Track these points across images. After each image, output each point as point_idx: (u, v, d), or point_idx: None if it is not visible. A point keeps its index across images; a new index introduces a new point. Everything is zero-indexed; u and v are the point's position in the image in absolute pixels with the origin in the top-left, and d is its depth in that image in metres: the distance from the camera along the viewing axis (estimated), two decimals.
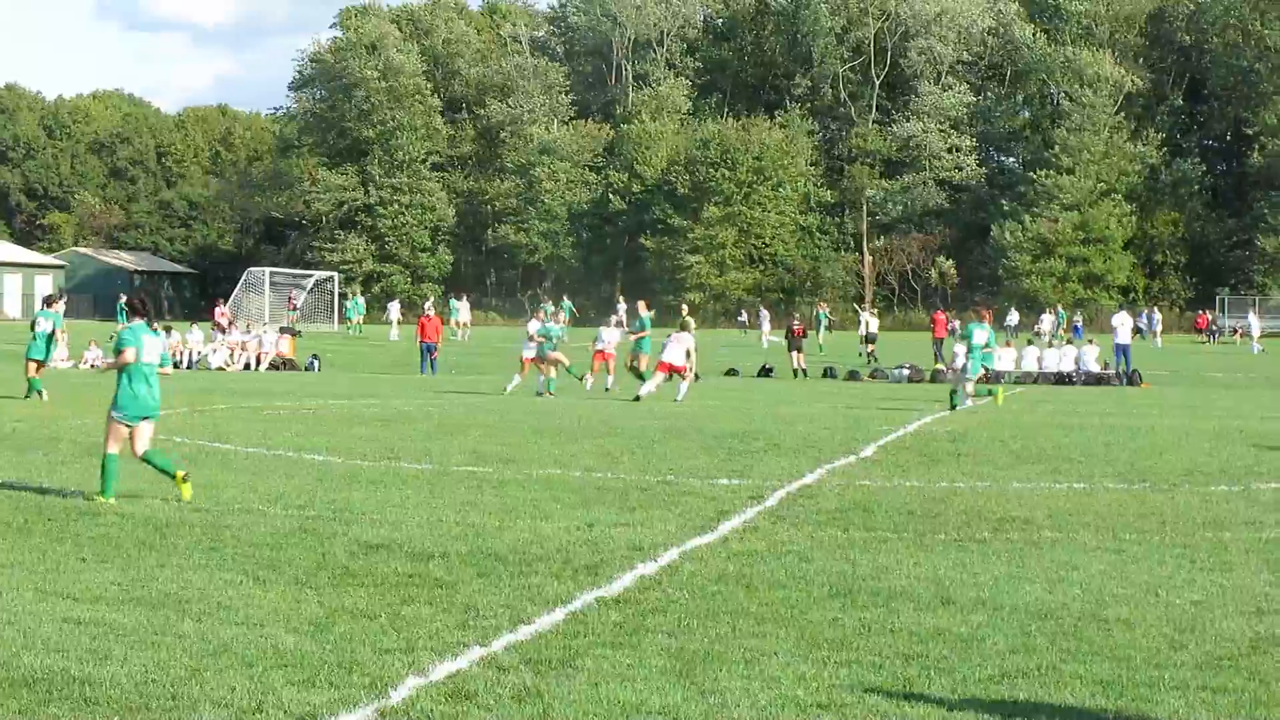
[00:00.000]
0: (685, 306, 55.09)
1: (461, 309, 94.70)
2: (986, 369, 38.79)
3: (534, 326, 43.32)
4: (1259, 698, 9.46)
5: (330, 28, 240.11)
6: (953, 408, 36.11)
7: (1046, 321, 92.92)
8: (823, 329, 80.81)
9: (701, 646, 10.74)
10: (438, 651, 10.47)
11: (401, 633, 11.09)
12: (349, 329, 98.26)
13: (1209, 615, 11.97)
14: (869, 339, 69.05)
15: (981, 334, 37.47)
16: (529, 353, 42.37)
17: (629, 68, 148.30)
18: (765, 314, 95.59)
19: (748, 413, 34.51)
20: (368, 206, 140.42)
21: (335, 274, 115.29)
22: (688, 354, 39.27)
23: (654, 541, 15.33)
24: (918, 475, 21.84)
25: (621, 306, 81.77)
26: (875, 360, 63.22)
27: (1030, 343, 64.28)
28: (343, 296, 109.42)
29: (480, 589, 12.80)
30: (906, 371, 55.39)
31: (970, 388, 37.76)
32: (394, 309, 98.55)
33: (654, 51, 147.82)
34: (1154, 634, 11.29)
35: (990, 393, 40.09)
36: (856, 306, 77.23)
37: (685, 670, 10.08)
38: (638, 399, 38.14)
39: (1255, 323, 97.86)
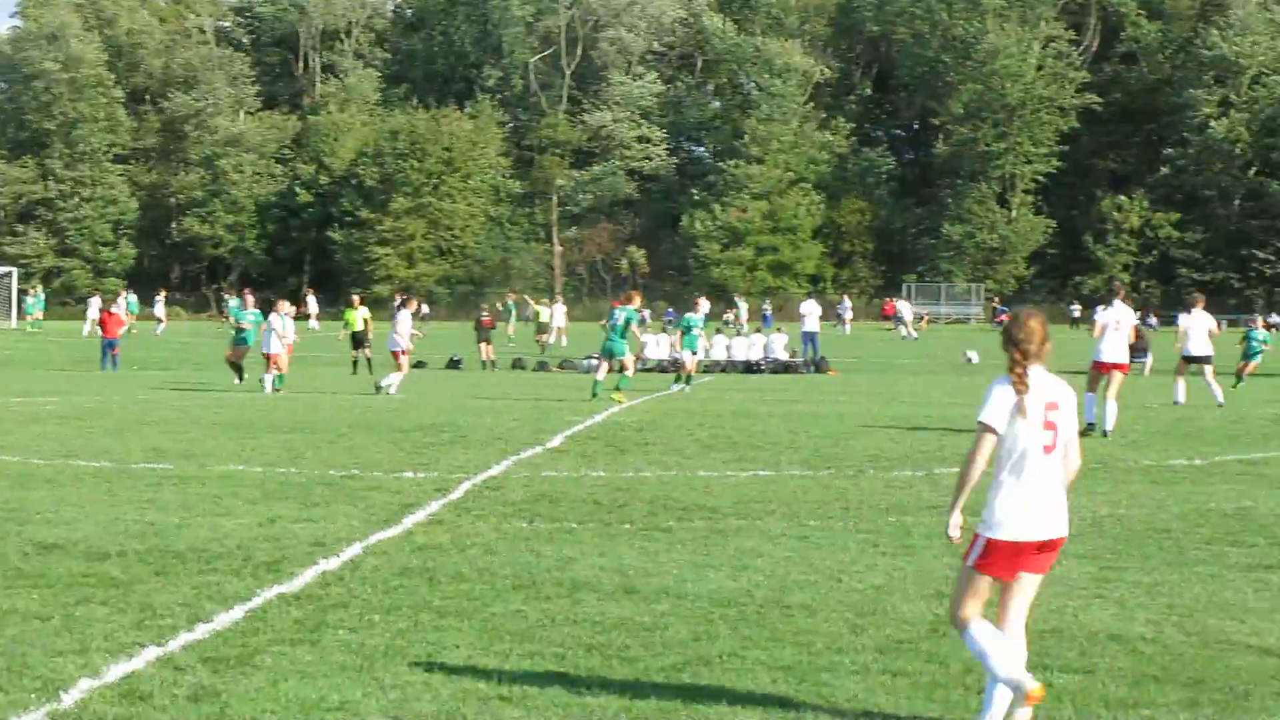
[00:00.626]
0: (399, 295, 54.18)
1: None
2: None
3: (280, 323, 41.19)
4: (937, 679, 9.63)
5: (11, 17, 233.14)
6: (594, 396, 36.16)
7: (743, 310, 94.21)
8: (513, 320, 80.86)
9: (383, 641, 10.65)
10: (112, 652, 10.23)
11: (75, 634, 10.80)
12: (29, 325, 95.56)
13: (890, 599, 12.18)
14: (541, 329, 69.15)
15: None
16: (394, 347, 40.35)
17: (317, 58, 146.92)
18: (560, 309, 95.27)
19: (435, 405, 34.30)
20: (47, 200, 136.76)
21: (14, 269, 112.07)
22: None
23: (337, 537, 15.13)
24: (605, 465, 21.89)
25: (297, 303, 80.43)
26: (545, 349, 63.13)
27: (719, 331, 65.08)
28: (23, 293, 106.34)
29: (158, 588, 12.52)
30: (595, 361, 55.70)
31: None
32: (94, 305, 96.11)
33: (342, 42, 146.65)
34: (835, 619, 11.44)
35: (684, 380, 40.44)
36: (527, 299, 77.31)
37: (366, 665, 9.98)
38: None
39: (907, 309, 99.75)
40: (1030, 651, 10.21)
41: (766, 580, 13.04)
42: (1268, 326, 51.34)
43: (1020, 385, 8.54)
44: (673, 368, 43.97)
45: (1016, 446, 8.55)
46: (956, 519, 8.69)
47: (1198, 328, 35.43)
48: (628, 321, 36.95)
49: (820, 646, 10.53)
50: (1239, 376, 45.19)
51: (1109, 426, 26.66)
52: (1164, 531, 15.64)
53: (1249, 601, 12.10)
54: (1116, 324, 27.33)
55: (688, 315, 44.68)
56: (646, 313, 69.05)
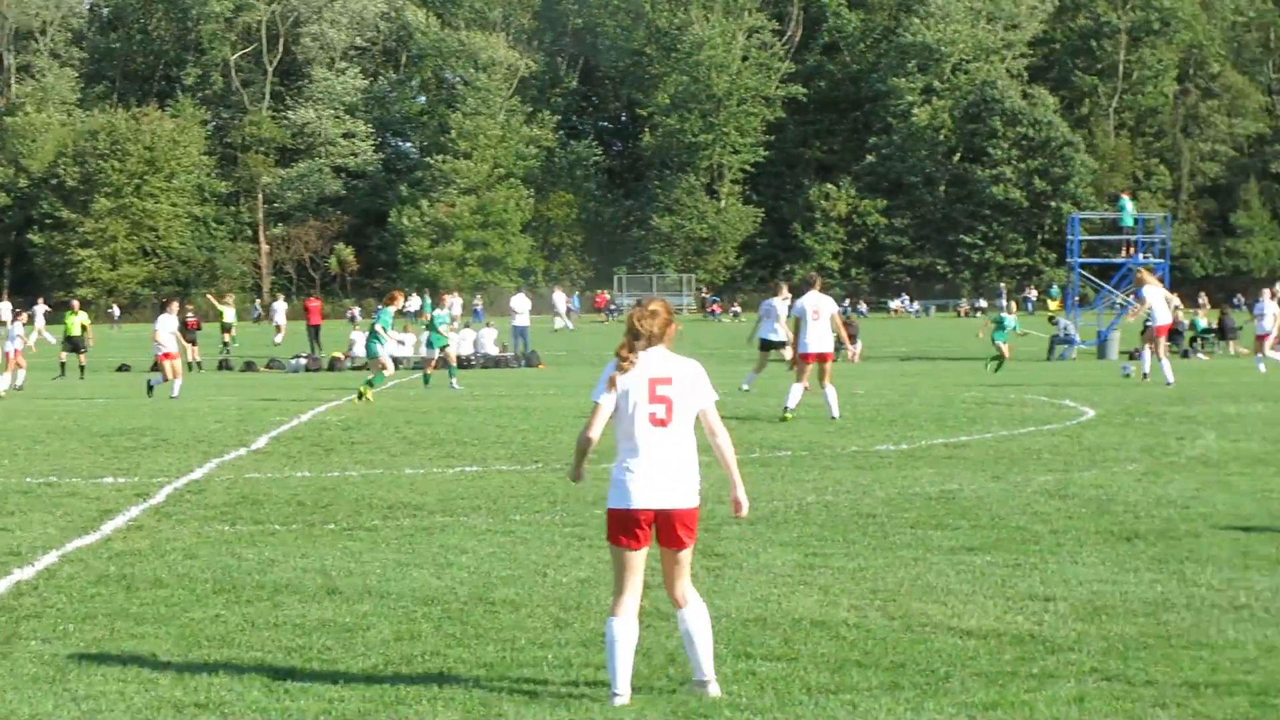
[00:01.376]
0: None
1: None
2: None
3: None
4: (639, 670, 9.59)
5: None
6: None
7: (456, 305, 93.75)
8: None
9: (78, 650, 10.41)
10: None
11: None
12: None
13: (596, 592, 12.18)
14: (226, 328, 67.90)
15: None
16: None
17: (11, 59, 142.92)
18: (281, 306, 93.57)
19: (137, 408, 33.57)
20: None
21: None
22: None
23: (33, 545, 14.75)
24: (309, 465, 21.64)
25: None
26: (228, 350, 61.95)
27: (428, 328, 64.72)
28: None
29: None
30: (303, 361, 55.23)
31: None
32: None
33: (37, 42, 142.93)
34: (540, 614, 11.43)
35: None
36: (210, 297, 75.89)
37: (58, 676, 9.75)
38: None
39: (561, 300, 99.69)
40: (734, 640, 10.34)
41: (471, 577, 12.98)
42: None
43: (624, 364, 9.05)
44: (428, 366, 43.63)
45: (625, 420, 9.12)
46: (578, 473, 9.64)
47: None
48: (383, 324, 36.62)
49: (524, 643, 10.50)
50: (999, 361, 45.84)
51: (835, 413, 27.05)
52: (869, 516, 15.89)
53: (951, 584, 12.32)
54: (815, 314, 27.65)
55: (436, 313, 44.93)
56: (449, 308, 68.13)
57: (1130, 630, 10.53)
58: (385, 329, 36.25)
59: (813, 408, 28.44)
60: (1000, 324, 48.40)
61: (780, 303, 32.80)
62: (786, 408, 27.26)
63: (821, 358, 27.61)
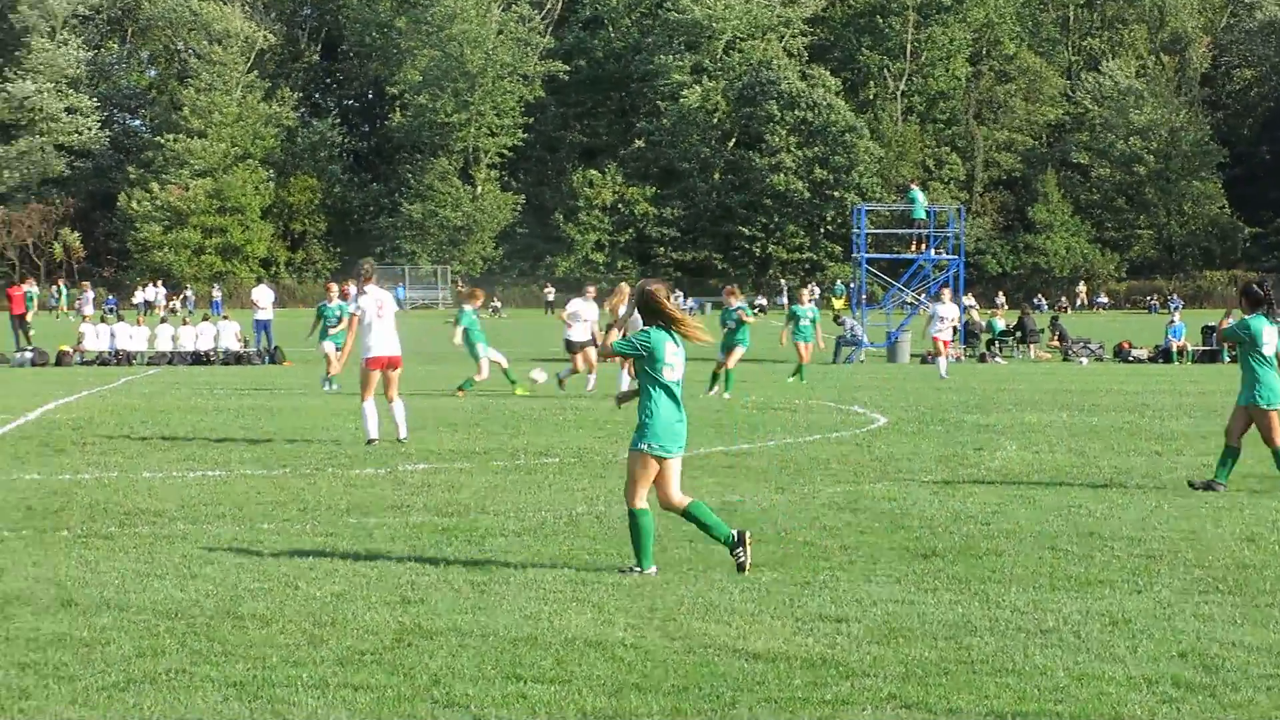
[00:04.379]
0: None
1: None
2: None
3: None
4: (402, 692, 9.58)
5: None
6: None
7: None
8: None
9: None
10: None
11: None
12: None
13: (351, 606, 12.09)
14: None
15: None
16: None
17: None
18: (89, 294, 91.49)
19: None
20: None
21: None
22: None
23: None
24: (38, 467, 21.35)
25: None
26: None
27: (164, 320, 63.95)
28: None
29: None
30: (30, 355, 54.23)
31: None
32: None
33: None
34: (292, 629, 11.31)
35: None
36: None
37: None
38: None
39: (263, 294, 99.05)
40: (502, 661, 10.33)
41: (217, 589, 12.83)
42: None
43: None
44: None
45: None
46: None
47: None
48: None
49: (275, 660, 10.39)
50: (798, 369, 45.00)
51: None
52: None
53: (735, 603, 12.37)
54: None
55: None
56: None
57: (930, 654, 10.63)
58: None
59: (584, 410, 28.54)
60: (795, 318, 44.84)
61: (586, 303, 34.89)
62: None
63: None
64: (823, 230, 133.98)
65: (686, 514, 13.73)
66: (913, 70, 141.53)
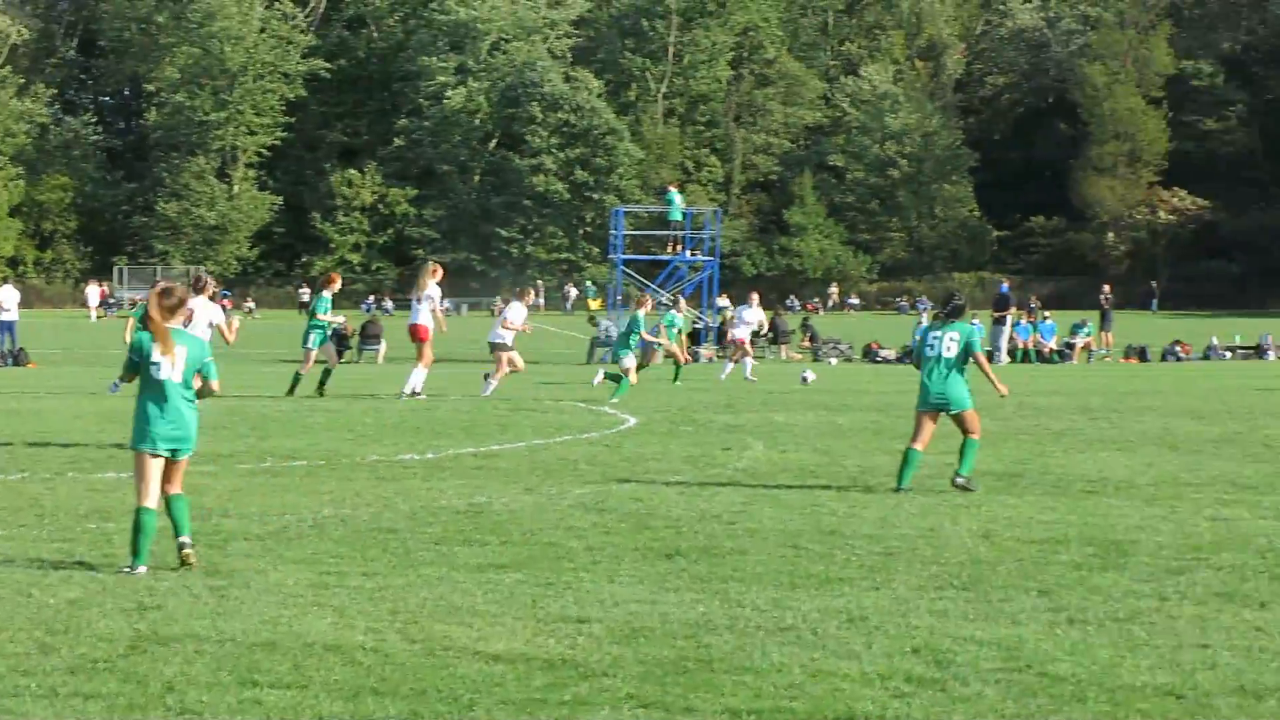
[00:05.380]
0: None
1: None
2: None
3: None
4: (135, 701, 9.43)
5: None
6: None
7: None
8: None
9: None
10: None
11: None
12: None
13: (86, 614, 11.88)
14: None
15: None
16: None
17: None
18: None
19: None
20: None
21: None
22: None
23: None
24: None
25: None
26: None
27: None
28: None
29: None
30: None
31: None
32: None
33: None
34: (23, 638, 11.08)
35: None
36: None
37: None
38: None
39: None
40: (239, 667, 10.21)
41: None
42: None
43: None
44: None
45: None
46: None
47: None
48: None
49: (4, 669, 10.18)
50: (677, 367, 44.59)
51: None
52: (390, 532, 15.86)
53: (478, 605, 12.35)
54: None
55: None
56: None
57: (669, 654, 10.68)
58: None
59: (331, 413, 28.33)
60: (670, 325, 46.15)
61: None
62: None
63: None
64: (582, 232, 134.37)
65: (167, 503, 13.91)
66: (675, 73, 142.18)
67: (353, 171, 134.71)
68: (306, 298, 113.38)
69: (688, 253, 64.31)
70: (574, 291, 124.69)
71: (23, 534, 15.75)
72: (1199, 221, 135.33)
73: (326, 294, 36.43)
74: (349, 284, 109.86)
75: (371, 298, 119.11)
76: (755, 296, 50.11)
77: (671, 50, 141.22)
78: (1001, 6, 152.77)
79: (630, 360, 37.51)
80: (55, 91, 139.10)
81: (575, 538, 15.53)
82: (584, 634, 11.31)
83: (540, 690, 9.78)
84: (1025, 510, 17.39)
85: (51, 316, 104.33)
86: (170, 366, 13.73)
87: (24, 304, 65.22)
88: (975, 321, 47.71)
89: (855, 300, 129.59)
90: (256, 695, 9.57)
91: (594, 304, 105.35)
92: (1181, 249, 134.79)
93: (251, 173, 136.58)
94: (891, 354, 60.14)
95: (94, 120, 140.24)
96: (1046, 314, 65.48)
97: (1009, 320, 59.63)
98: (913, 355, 23.11)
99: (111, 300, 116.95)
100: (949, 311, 19.93)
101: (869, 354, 61.07)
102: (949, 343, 19.25)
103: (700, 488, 19.39)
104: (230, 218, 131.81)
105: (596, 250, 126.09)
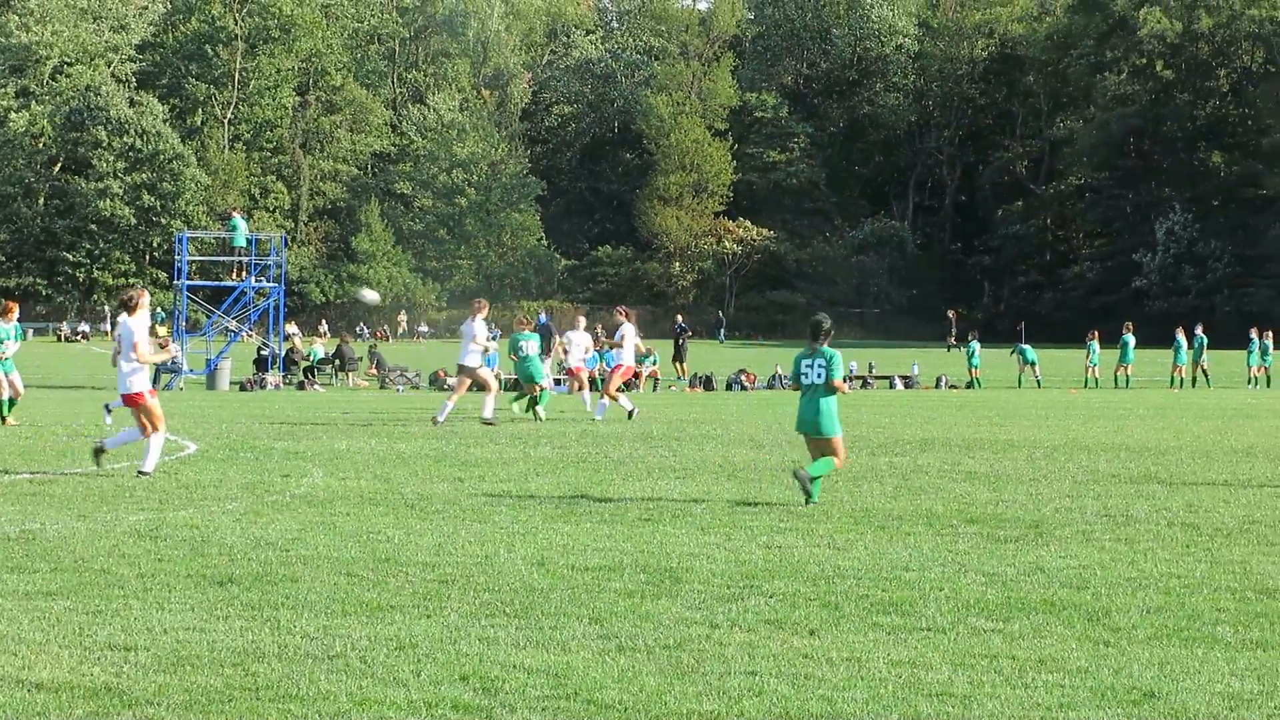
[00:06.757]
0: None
1: None
2: None
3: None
4: None
5: None
6: None
7: None
8: None
9: None
10: None
11: None
12: None
13: None
14: None
15: None
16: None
17: None
18: None
19: None
20: None
21: None
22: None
23: None
24: None
25: None
26: None
27: None
28: None
29: None
30: None
31: None
32: None
33: None
34: None
35: None
36: None
37: None
38: None
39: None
40: None
41: None
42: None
43: None
44: None
45: None
46: None
47: None
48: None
49: None
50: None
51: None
52: None
53: (24, 632, 12.07)
54: None
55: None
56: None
57: (216, 682, 10.58)
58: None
59: None
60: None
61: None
62: None
63: None
64: (149, 257, 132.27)
65: None
66: (240, 99, 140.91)
67: None
68: None
69: (252, 279, 63.72)
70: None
71: None
72: (764, 252, 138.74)
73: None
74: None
75: None
76: (582, 319, 47.59)
77: (237, 76, 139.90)
78: (566, 39, 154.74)
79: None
80: None
81: (127, 565, 15.27)
82: (129, 662, 11.14)
83: (82, 718, 9.63)
84: (581, 538, 17.55)
85: None
86: None
87: None
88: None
89: (425, 328, 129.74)
90: None
91: (162, 330, 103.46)
92: (747, 279, 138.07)
93: None
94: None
95: None
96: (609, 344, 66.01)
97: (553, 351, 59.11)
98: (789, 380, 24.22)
99: None
100: (815, 336, 20.41)
101: (435, 381, 61.15)
102: (819, 369, 19.89)
103: (256, 514, 19.20)
104: None
105: (164, 275, 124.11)
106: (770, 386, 65.12)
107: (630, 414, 37.85)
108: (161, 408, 24.07)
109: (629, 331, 39.56)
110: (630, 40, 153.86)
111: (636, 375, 46.81)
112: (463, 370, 35.84)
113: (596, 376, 47.19)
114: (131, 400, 23.68)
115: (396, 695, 10.31)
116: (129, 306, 23.85)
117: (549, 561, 15.84)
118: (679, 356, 68.15)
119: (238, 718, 9.73)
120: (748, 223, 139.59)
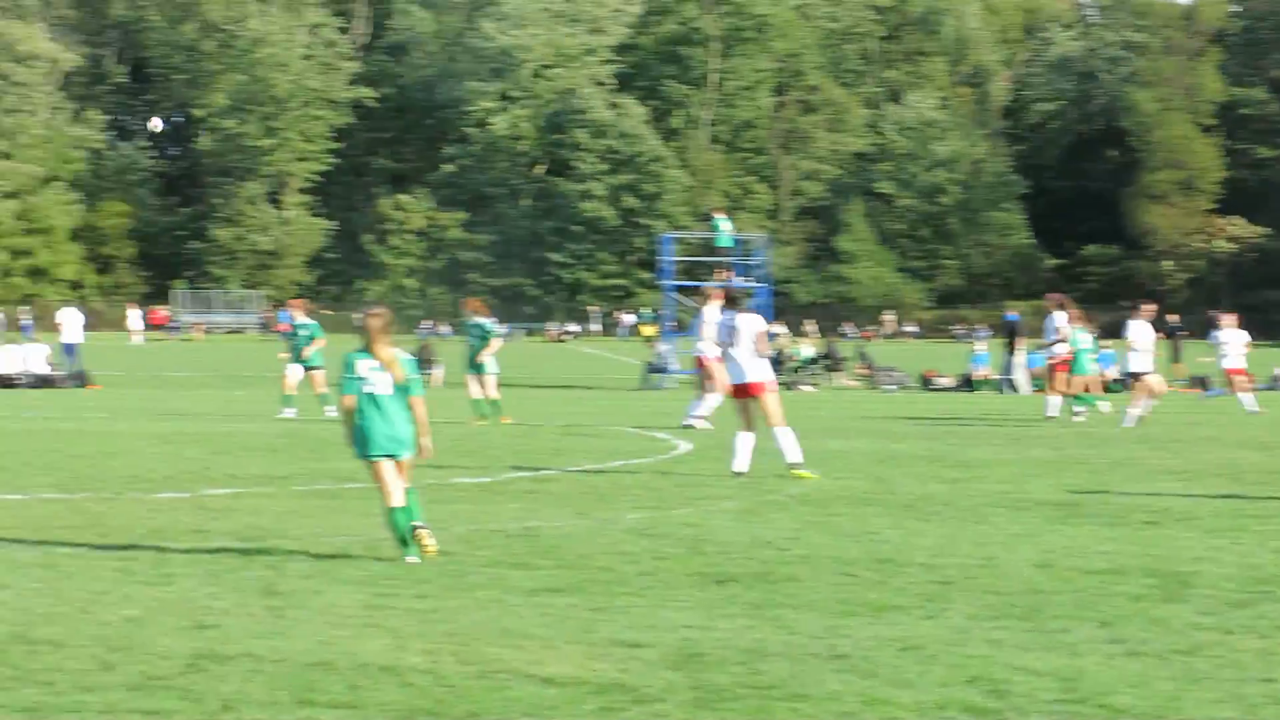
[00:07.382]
0: None
1: None
2: None
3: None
4: (192, 717, 9.45)
5: None
6: None
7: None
8: None
9: None
10: None
11: None
12: None
13: (145, 632, 11.91)
14: None
15: None
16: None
17: None
18: None
19: None
20: None
21: None
22: None
23: None
24: None
25: None
26: None
27: None
28: None
29: None
30: None
31: None
32: None
33: None
34: (84, 655, 11.10)
35: None
36: None
37: None
38: None
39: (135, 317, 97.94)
40: (294, 686, 10.21)
41: (10, 614, 12.58)
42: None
43: None
44: None
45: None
46: None
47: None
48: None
49: (65, 685, 10.20)
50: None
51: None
52: (444, 554, 15.80)
53: (531, 628, 12.30)
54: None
55: None
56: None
57: (723, 679, 10.59)
58: None
59: None
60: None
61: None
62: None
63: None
64: (634, 258, 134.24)
65: None
66: (718, 100, 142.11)
67: (403, 196, 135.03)
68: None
69: (738, 279, 64.13)
70: (627, 318, 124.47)
71: (84, 553, 15.80)
72: (1260, 250, 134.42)
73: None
74: (406, 308, 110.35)
75: (429, 323, 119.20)
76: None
77: (714, 77, 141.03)
78: (1044, 34, 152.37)
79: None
80: (110, 117, 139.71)
81: (628, 562, 15.47)
82: (637, 658, 11.24)
83: (593, 714, 9.73)
84: (1084, 540, 17.17)
85: (112, 339, 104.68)
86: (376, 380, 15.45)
87: (87, 327, 65.67)
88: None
89: (912, 327, 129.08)
90: (312, 714, 9.57)
91: (647, 330, 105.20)
92: (1242, 278, 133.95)
93: (304, 198, 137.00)
94: (949, 382, 59.68)
95: (148, 145, 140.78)
96: (1106, 343, 64.34)
97: (1021, 349, 57.84)
98: None
99: (174, 324, 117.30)
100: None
101: (925, 382, 60.64)
102: None
103: (753, 514, 19.30)
104: (284, 243, 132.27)
105: (649, 276, 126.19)
106: (1271, 388, 62.82)
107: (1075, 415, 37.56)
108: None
109: (1060, 320, 38.85)
110: (1111, 35, 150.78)
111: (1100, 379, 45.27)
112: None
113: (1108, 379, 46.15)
114: (750, 390, 23.74)
115: (904, 697, 10.18)
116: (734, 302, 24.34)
117: (1053, 564, 15.51)
118: (1174, 357, 66.03)
119: (746, 715, 9.72)
120: (1241, 220, 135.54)
